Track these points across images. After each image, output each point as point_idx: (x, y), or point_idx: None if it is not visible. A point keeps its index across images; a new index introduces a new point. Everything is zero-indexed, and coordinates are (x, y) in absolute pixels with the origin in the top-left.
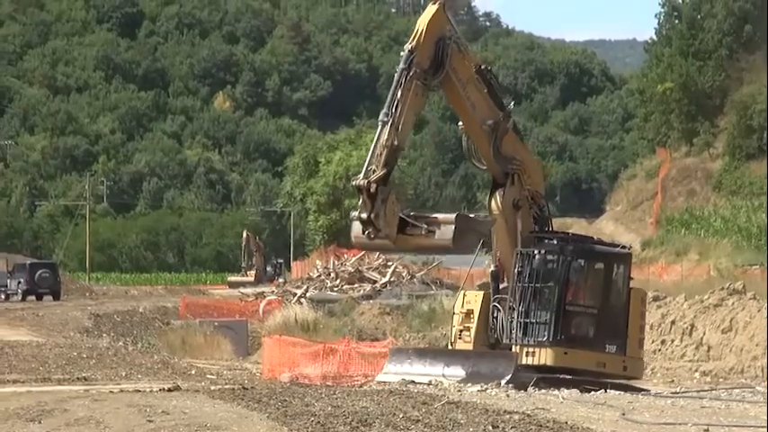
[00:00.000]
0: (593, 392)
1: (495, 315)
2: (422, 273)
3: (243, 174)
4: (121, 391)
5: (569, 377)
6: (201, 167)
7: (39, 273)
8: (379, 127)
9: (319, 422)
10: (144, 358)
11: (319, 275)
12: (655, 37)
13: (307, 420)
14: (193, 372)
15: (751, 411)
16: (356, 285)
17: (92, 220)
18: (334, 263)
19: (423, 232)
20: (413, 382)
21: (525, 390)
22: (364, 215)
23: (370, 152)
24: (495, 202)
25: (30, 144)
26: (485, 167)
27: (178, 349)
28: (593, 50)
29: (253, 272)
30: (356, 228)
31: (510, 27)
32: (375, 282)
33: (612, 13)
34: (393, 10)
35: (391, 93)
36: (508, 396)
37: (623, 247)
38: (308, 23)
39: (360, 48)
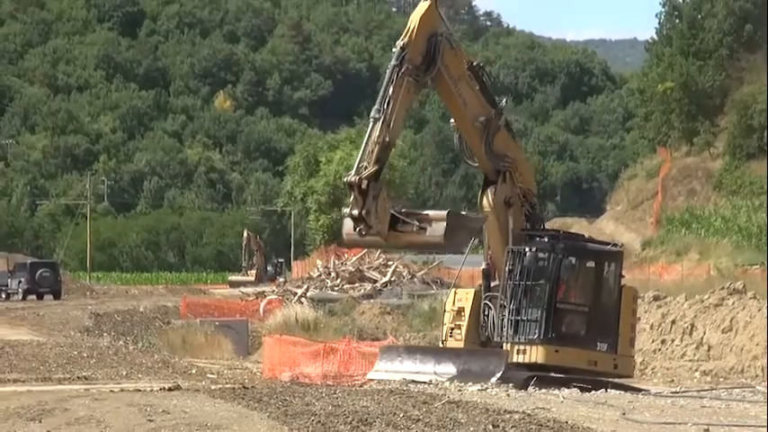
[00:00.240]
0: (593, 392)
1: (486, 313)
2: (422, 272)
3: (243, 173)
4: (122, 390)
5: (560, 375)
6: (202, 167)
7: (39, 272)
8: (371, 124)
9: (320, 421)
10: (144, 357)
11: (320, 275)
12: (655, 36)
13: (307, 420)
14: (194, 371)
15: (751, 411)
16: (357, 285)
17: (92, 219)
18: (334, 262)
19: (414, 229)
20: (414, 381)
21: (525, 389)
22: (355, 212)
23: (362, 149)
24: (487, 200)
25: (30, 143)
26: (476, 165)
27: (179, 348)
28: (593, 50)
29: (253, 271)
30: (347, 224)
31: (510, 26)
32: (375, 281)
33: (613, 12)
34: (394, 9)
35: (383, 89)
36: (508, 395)
37: (614, 244)
38: (308, 23)
39: (360, 47)
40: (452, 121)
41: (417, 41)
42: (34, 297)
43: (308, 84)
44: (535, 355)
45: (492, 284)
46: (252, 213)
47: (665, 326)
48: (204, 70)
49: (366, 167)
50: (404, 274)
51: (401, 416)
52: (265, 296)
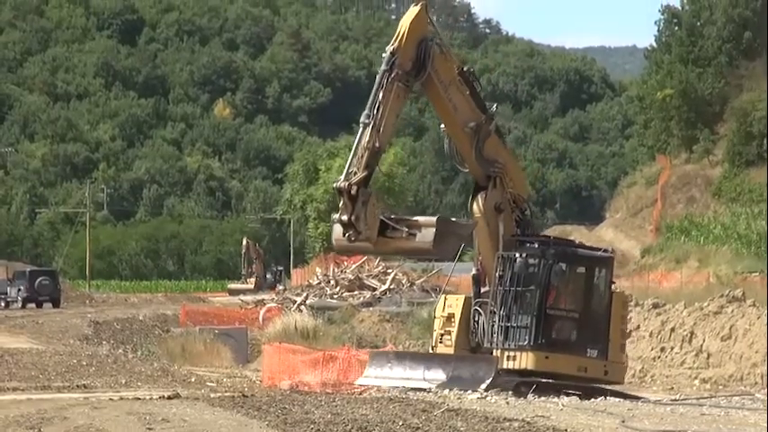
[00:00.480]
0: (592, 400)
1: (476, 319)
2: (422, 280)
3: (243, 181)
4: (121, 398)
5: (550, 381)
6: (201, 175)
7: (39, 280)
8: (360, 129)
9: (319, 429)
10: (144, 366)
11: (319, 283)
12: (654, 44)
13: (306, 428)
14: (193, 379)
15: (750, 419)
16: (356, 293)
17: (92, 227)
18: (333, 270)
19: (403, 235)
20: (414, 389)
21: (525, 396)
22: (345, 217)
23: (351, 154)
24: (477, 205)
25: (30, 151)
26: (467, 170)
27: (178, 357)
28: (592, 57)
29: (253, 279)
30: (337, 230)
31: (510, 34)
32: (375, 289)
33: (612, 19)
34: (393, 17)
35: (372, 94)
36: (508, 403)
37: (605, 250)
38: (307, 30)
39: (360, 55)
40: (442, 126)
41: (407, 46)
42: (33, 305)
43: (308, 91)
44: (525, 361)
45: (482, 290)
46: (251, 221)
47: (665, 333)
48: (203, 78)
49: (355, 173)
50: (403, 281)
51: (400, 424)
52: (265, 304)
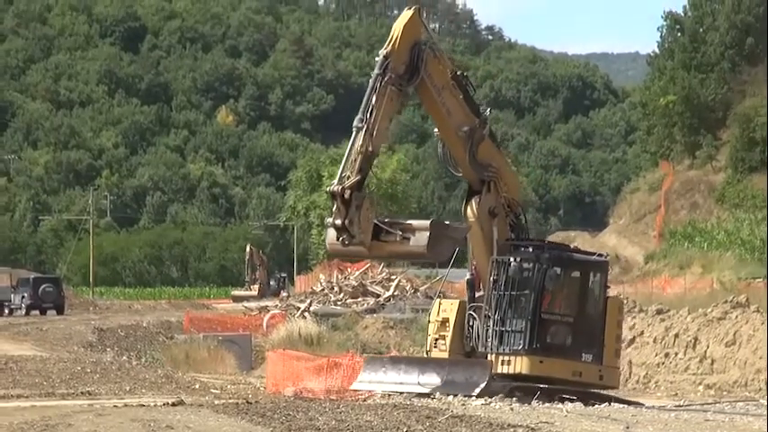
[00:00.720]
0: (597, 406)
1: (470, 323)
2: (425, 286)
3: (246, 188)
4: (125, 405)
5: (545, 386)
6: (205, 181)
7: (42, 287)
8: (354, 133)
9: None
10: (148, 373)
11: (323, 289)
12: (657, 50)
13: None
14: (197, 386)
15: (755, 424)
16: (360, 299)
17: (95, 234)
18: (337, 277)
19: (397, 239)
20: (418, 394)
21: (529, 403)
22: (338, 221)
23: (345, 158)
24: (471, 210)
25: (33, 158)
26: (460, 174)
27: (182, 363)
28: (595, 64)
29: (256, 286)
30: (331, 234)
31: (512, 40)
32: (378, 295)
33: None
34: None
35: (366, 98)
36: (512, 409)
37: (600, 255)
38: (310, 37)
39: (362, 61)
40: (436, 130)
41: (400, 50)
42: (37, 312)
43: (311, 98)
44: (520, 365)
45: (477, 295)
46: (254, 228)
47: (669, 339)
48: (206, 85)
49: (349, 177)
50: (407, 288)
51: (405, 430)
52: (268, 311)
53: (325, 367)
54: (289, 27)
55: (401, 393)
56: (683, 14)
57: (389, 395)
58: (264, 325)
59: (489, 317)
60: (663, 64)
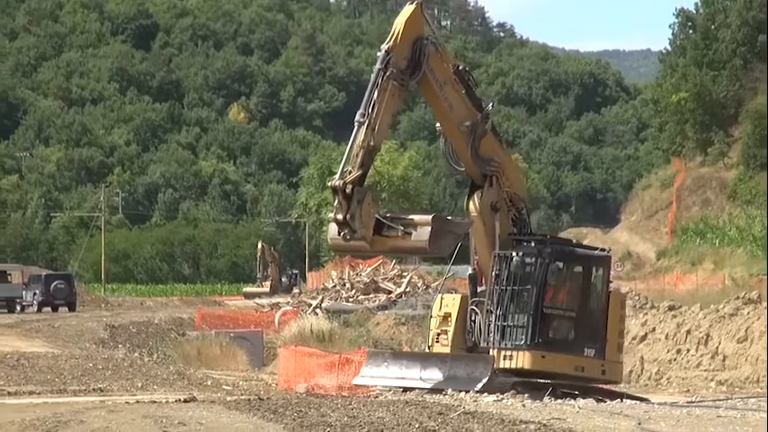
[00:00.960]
0: (609, 402)
1: (472, 318)
2: (437, 283)
3: (258, 185)
4: (137, 402)
5: (547, 381)
6: (216, 178)
7: (54, 284)
8: (355, 128)
9: None
10: (160, 369)
11: (334, 286)
12: (669, 47)
13: (323, 431)
14: (209, 383)
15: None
16: (371, 296)
17: (107, 231)
18: (349, 273)
19: (399, 234)
20: (430, 390)
21: (541, 399)
22: (340, 216)
23: (346, 153)
24: (474, 204)
25: (45, 156)
26: (462, 169)
27: (194, 360)
28: (607, 61)
29: (268, 282)
30: (332, 229)
31: (524, 37)
32: (390, 292)
33: (627, 23)
34: None
35: (368, 93)
36: (524, 406)
37: (602, 249)
38: (322, 34)
39: (374, 59)
40: (438, 125)
41: (402, 45)
42: (49, 309)
43: (322, 95)
44: (522, 360)
45: (479, 289)
46: (266, 225)
47: (681, 336)
48: (218, 82)
49: (350, 172)
50: (418, 284)
51: (416, 427)
52: (280, 307)
53: (337, 364)
54: (300, 24)
55: (403, 389)
56: (694, 11)
57: (403, 390)
58: (276, 321)
59: (491, 312)
60: (675, 61)
